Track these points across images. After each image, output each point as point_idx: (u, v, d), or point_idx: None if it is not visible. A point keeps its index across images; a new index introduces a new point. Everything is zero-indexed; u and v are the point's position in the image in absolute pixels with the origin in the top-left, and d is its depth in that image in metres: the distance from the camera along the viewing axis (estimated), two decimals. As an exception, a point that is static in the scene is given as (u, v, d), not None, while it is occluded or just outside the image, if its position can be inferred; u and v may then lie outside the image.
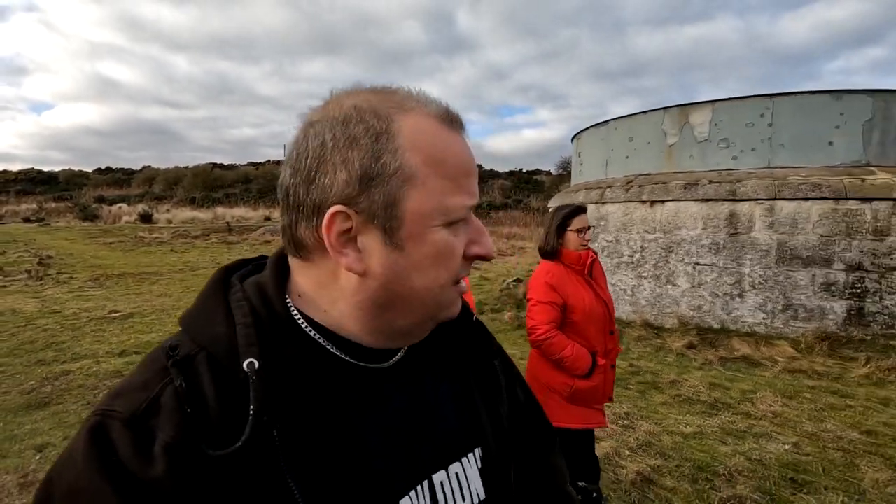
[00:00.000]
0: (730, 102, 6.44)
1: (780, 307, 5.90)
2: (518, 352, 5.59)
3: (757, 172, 6.18)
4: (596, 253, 2.63)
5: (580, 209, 2.57)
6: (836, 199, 5.66)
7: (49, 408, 4.18)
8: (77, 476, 0.49)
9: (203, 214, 31.33)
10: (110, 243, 19.30)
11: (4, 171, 47.59)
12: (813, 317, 5.77)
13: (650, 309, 6.78)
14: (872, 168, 5.86)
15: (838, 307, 5.70)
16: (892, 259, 5.56)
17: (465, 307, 0.74)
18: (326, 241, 0.56)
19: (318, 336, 0.60)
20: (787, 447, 3.53)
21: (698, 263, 6.39)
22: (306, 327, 0.60)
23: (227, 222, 26.78)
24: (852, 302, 5.63)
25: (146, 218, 28.32)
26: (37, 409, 4.14)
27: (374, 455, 0.59)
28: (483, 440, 0.71)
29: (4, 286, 10.24)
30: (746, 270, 6.09)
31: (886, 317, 5.55)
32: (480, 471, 0.70)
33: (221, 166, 51.02)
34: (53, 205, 35.05)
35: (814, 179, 5.81)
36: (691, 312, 6.42)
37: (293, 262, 0.62)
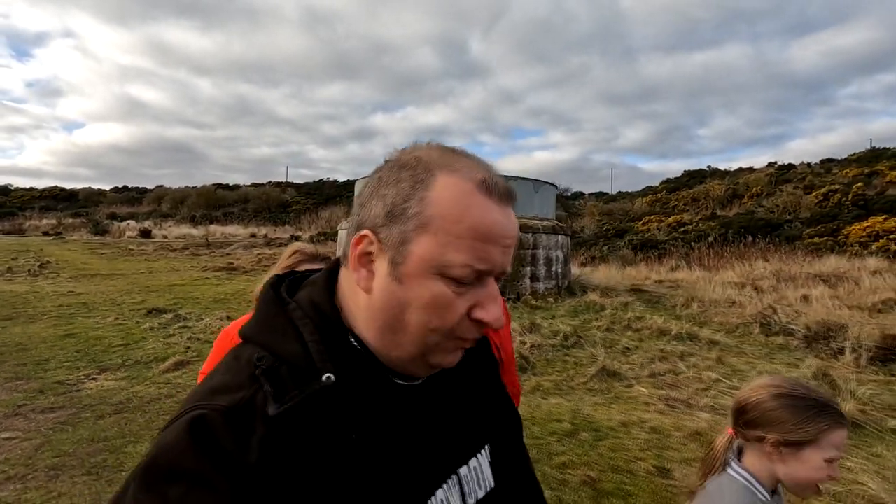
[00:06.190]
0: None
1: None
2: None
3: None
4: None
5: None
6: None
7: (12, 320, 9.08)
8: (180, 458, 0.53)
9: (196, 231, 32.66)
10: (102, 254, 22.31)
11: (31, 189, 51.12)
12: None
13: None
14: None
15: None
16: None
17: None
18: (351, 255, 0.66)
19: (365, 353, 0.67)
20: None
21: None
22: (356, 344, 0.66)
23: (206, 238, 28.66)
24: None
25: (146, 233, 30.38)
26: (7, 321, 9.09)
27: (414, 455, 0.68)
28: (491, 437, 0.84)
29: (10, 279, 14.83)
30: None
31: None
32: (490, 463, 0.81)
33: (226, 187, 53.43)
34: (71, 220, 37.18)
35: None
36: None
37: (342, 269, 0.71)
